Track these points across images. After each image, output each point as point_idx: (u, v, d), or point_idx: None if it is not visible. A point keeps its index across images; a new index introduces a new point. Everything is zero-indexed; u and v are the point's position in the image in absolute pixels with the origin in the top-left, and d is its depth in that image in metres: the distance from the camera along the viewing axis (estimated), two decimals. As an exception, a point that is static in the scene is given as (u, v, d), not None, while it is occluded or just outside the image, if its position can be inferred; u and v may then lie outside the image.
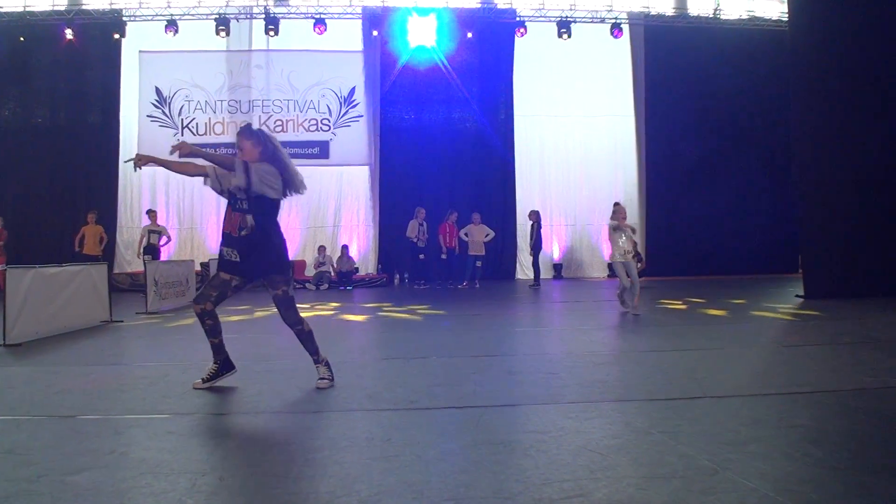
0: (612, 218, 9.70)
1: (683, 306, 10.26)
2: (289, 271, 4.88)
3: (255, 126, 5.87)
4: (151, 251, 14.57)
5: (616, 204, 10.04)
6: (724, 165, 17.64)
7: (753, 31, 17.54)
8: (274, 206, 4.76)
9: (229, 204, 4.71)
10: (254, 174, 4.58)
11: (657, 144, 17.77)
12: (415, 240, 15.32)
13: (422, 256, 15.40)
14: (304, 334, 4.86)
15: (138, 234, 15.53)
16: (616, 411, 4.06)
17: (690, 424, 3.72)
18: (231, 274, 4.75)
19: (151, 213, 15.18)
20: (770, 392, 4.56)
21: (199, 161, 4.70)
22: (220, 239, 4.84)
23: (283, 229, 4.87)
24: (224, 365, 4.89)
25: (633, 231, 9.94)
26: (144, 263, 11.73)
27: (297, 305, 4.87)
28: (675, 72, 17.53)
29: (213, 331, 4.81)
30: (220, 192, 4.76)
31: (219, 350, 4.87)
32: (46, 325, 7.71)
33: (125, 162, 4.82)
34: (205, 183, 4.79)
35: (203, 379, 4.83)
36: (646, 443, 3.41)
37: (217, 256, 4.88)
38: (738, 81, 17.44)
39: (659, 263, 17.21)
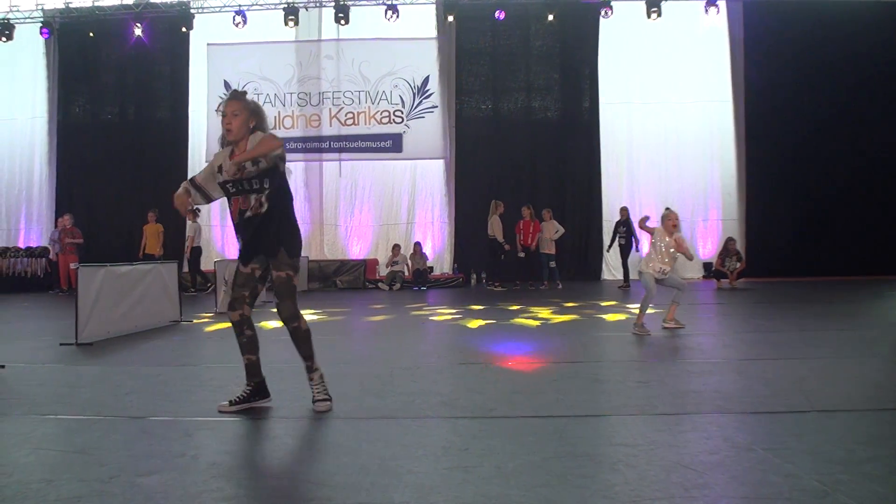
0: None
1: (788, 310, 9.91)
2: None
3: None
4: (197, 253, 15.01)
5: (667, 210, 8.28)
6: (833, 156, 16.79)
7: (869, 4, 16.69)
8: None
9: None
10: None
11: (758, 133, 17.16)
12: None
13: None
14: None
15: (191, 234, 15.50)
16: (713, 425, 3.97)
17: (797, 441, 3.60)
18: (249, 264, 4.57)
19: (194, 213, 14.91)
20: (889, 407, 4.38)
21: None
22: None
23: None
24: (259, 390, 4.52)
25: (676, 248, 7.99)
26: (201, 265, 12.02)
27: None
28: (777, 52, 16.88)
29: (250, 345, 4.49)
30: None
31: (254, 371, 4.50)
32: (117, 324, 8.09)
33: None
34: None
35: (231, 402, 4.42)
36: (747, 460, 3.32)
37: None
38: (851, 62, 16.56)
39: (760, 263, 16.62)
